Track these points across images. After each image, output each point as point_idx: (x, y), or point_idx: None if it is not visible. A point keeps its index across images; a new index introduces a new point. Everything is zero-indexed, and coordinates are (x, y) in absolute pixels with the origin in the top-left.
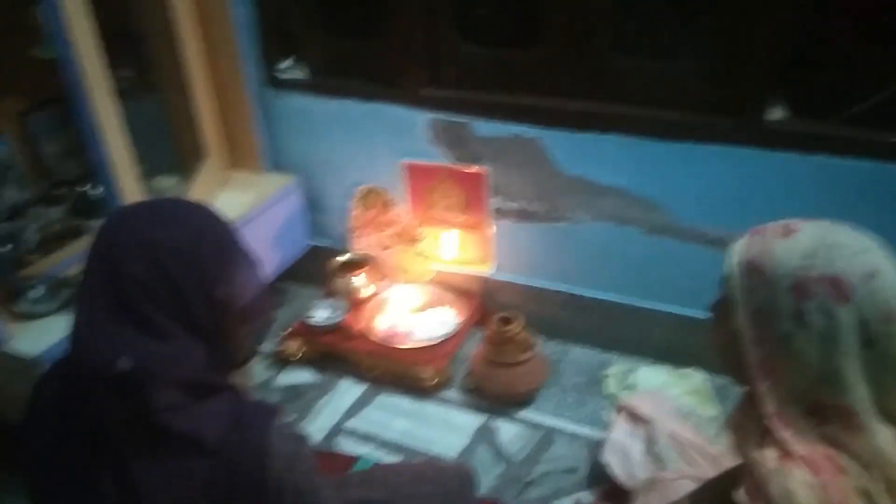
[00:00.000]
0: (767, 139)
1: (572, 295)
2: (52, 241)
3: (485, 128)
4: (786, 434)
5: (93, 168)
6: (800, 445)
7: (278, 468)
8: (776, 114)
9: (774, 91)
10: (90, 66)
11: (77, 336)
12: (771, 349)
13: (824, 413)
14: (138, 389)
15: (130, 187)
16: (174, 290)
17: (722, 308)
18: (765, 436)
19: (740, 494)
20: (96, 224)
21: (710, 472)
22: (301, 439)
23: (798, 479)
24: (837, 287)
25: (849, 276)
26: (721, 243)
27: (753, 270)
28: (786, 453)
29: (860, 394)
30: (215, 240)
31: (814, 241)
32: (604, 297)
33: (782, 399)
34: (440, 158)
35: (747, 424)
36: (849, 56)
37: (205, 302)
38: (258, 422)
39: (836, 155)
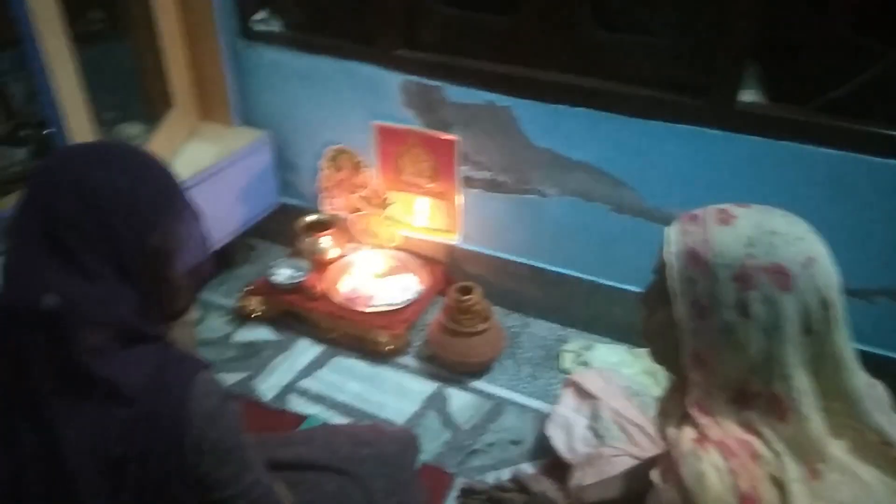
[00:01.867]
0: (737, 122)
1: (536, 268)
2: (11, 183)
3: (457, 93)
4: (705, 420)
5: (44, 111)
6: (716, 429)
7: (198, 423)
8: (748, 97)
9: (748, 74)
10: (40, 5)
11: (4, 273)
12: (708, 340)
13: (749, 400)
14: (62, 329)
15: (82, 132)
16: (106, 232)
17: (657, 298)
18: (684, 419)
19: (654, 473)
20: None
21: (650, 451)
22: (225, 395)
23: (709, 463)
24: (779, 276)
25: (790, 263)
26: None
27: (693, 260)
28: (702, 437)
29: (797, 381)
30: (155, 187)
31: (754, 229)
32: (567, 273)
33: (710, 387)
34: (412, 122)
35: (671, 409)
36: (825, 42)
37: (138, 248)
38: (181, 374)
39: (806, 142)
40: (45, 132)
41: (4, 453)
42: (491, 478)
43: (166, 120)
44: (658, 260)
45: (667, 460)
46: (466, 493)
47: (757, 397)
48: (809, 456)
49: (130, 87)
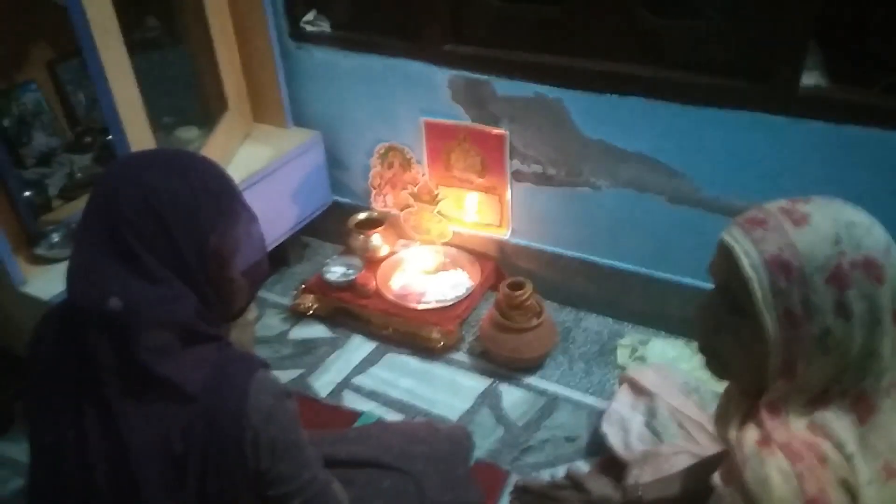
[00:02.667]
0: (801, 107)
1: (588, 262)
2: (77, 189)
3: (506, 87)
4: (772, 422)
5: (105, 118)
6: (782, 431)
7: (255, 420)
8: (810, 80)
9: (809, 56)
10: (98, 16)
11: (72, 276)
12: (802, 348)
13: (828, 400)
14: (126, 330)
15: (141, 139)
16: (167, 236)
17: (727, 312)
18: (747, 420)
19: (715, 477)
20: None
21: (709, 449)
22: (283, 394)
23: (774, 466)
24: (872, 268)
25: (874, 254)
26: None
27: (781, 269)
28: (766, 439)
29: (892, 374)
30: (213, 192)
31: (834, 225)
32: (620, 266)
33: (789, 392)
34: (461, 118)
35: (732, 410)
36: (887, 21)
37: (198, 251)
38: (240, 373)
39: (872, 126)
40: (107, 138)
41: (75, 453)
42: (546, 475)
43: (222, 123)
44: (722, 274)
45: (728, 463)
46: (521, 490)
47: (840, 396)
48: (887, 454)
49: (186, 92)
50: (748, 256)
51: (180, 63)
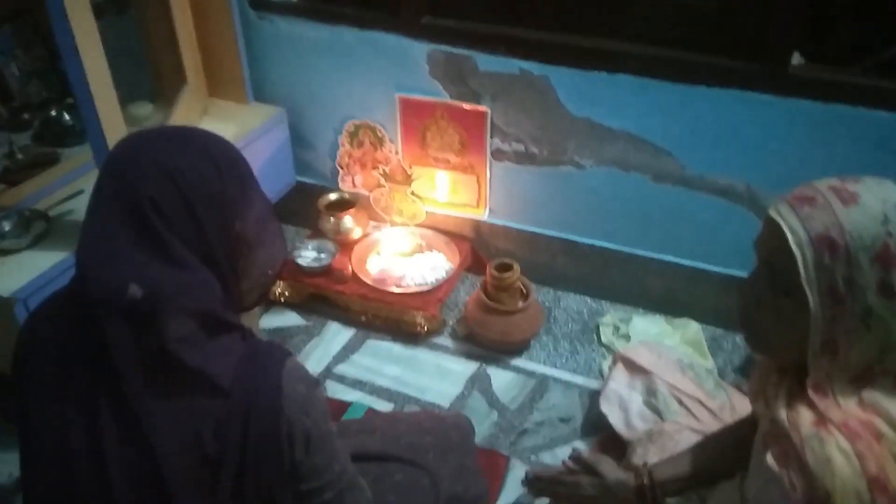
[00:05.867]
0: (790, 86)
1: (569, 241)
2: (20, 171)
3: (489, 62)
4: (823, 402)
5: (71, 90)
6: (836, 411)
7: (290, 411)
8: (795, 59)
9: (798, 36)
10: None
11: (83, 261)
12: (845, 326)
13: (873, 378)
14: (149, 318)
15: (110, 112)
16: (193, 219)
17: (769, 287)
18: (793, 399)
19: (770, 459)
20: (70, 152)
21: (711, 425)
22: (314, 382)
23: (835, 447)
24: None
25: None
26: (730, 193)
27: (828, 247)
28: (820, 419)
29: None
30: (236, 174)
31: (883, 205)
32: (601, 245)
33: (834, 371)
34: (438, 94)
35: (772, 388)
36: (865, 3)
37: (222, 235)
38: (272, 364)
39: (857, 104)
40: (49, 114)
41: (87, 462)
42: (547, 458)
43: (181, 99)
44: (767, 249)
45: (782, 444)
46: (533, 479)
47: (883, 375)
48: None
49: (135, 65)
50: (794, 233)
51: (127, 32)
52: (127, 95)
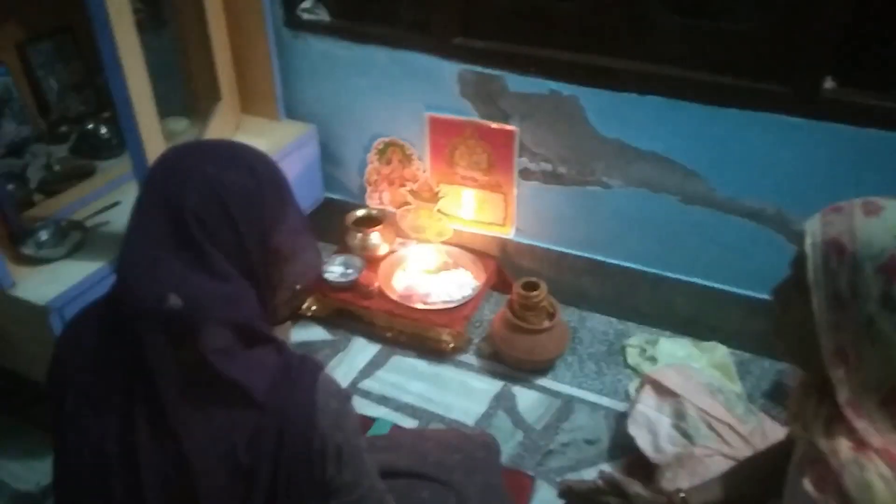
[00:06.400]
0: (821, 110)
1: (595, 261)
2: (58, 182)
3: (519, 83)
4: (860, 424)
5: (108, 103)
6: (876, 437)
7: (323, 425)
8: (827, 83)
9: (831, 60)
10: None
11: (124, 270)
12: (849, 334)
13: None
14: (187, 328)
15: (149, 126)
16: (234, 231)
17: (792, 292)
18: (832, 423)
19: (807, 484)
20: (106, 165)
21: (743, 451)
22: (346, 397)
23: (874, 472)
24: None
25: None
26: (760, 216)
27: (834, 251)
28: (860, 444)
29: None
30: (275, 187)
31: None
32: (628, 266)
33: (858, 387)
34: (468, 113)
35: (811, 410)
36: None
37: (259, 247)
38: (305, 377)
39: (891, 129)
40: (86, 127)
41: (122, 471)
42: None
43: (215, 115)
44: (796, 253)
45: (820, 469)
46: (566, 490)
47: None
48: None
49: (171, 81)
50: (811, 235)
51: (163, 49)
52: (163, 110)
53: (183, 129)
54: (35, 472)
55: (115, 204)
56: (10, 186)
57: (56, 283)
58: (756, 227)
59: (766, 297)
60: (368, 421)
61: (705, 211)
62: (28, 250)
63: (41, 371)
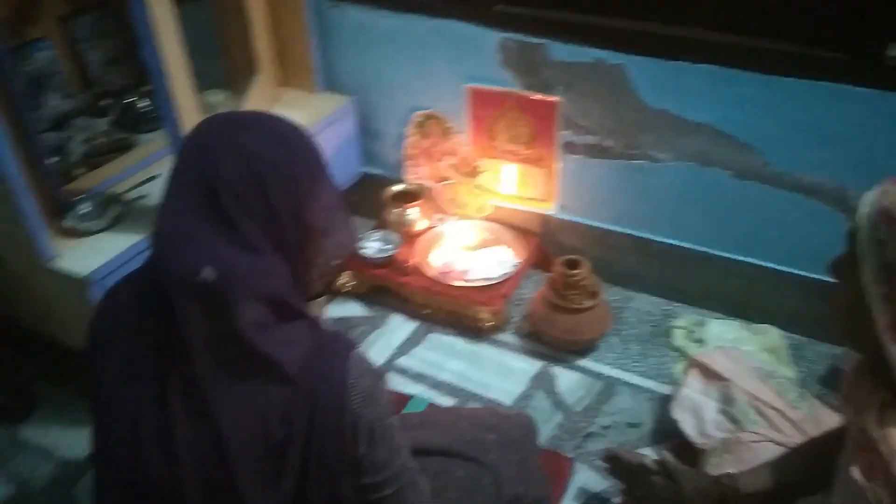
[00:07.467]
0: (885, 78)
1: (642, 239)
2: (99, 155)
3: (563, 51)
4: None
5: (147, 77)
6: None
7: (355, 402)
8: (892, 50)
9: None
10: None
11: (159, 243)
12: None
13: None
14: (222, 301)
15: (186, 99)
16: (267, 204)
17: (845, 264)
18: (886, 410)
19: (855, 471)
20: (146, 138)
21: (794, 438)
22: (378, 374)
23: None
24: None
25: None
26: (817, 192)
27: (885, 220)
28: None
29: None
30: (309, 161)
31: None
32: (676, 244)
33: None
34: (509, 84)
35: (864, 395)
36: None
37: (294, 223)
38: (338, 353)
39: None
40: (126, 101)
41: (156, 443)
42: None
43: (253, 88)
44: (850, 225)
45: (870, 457)
46: (612, 457)
47: None
48: None
49: (210, 53)
50: (866, 206)
51: (201, 21)
52: (201, 83)
53: (220, 102)
54: (80, 440)
55: (154, 177)
56: (54, 160)
57: (96, 255)
58: (813, 204)
59: (822, 277)
60: (404, 398)
61: (759, 186)
62: (69, 223)
63: (82, 341)
